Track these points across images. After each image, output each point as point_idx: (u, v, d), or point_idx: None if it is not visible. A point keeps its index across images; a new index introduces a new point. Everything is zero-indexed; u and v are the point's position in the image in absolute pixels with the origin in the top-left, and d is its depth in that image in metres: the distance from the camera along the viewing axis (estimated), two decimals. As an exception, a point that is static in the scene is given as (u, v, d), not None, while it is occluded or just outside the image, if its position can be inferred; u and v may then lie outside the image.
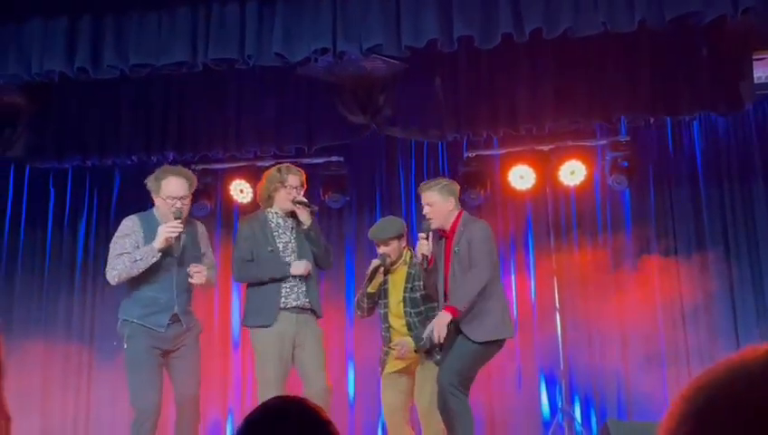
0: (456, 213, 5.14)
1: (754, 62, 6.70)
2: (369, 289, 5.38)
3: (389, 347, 5.40)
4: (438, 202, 5.08)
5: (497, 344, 5.03)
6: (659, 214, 7.76)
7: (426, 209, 5.11)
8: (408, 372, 5.36)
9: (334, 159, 7.88)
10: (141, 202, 8.20)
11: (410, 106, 7.15)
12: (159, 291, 4.91)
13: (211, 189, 8.03)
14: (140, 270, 4.84)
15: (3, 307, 7.91)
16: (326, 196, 7.87)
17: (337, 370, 7.52)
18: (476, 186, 7.66)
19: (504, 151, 7.84)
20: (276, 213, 5.27)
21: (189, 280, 4.94)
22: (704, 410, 0.92)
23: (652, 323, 7.48)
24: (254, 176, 7.85)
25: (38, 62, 5.88)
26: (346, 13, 5.64)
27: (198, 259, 5.06)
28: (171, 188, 4.92)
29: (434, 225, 5.09)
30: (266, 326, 5.08)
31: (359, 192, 8.23)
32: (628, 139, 7.53)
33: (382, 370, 5.44)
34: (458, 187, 5.34)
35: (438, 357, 5.24)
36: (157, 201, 5.02)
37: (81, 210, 8.44)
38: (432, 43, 5.58)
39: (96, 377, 7.97)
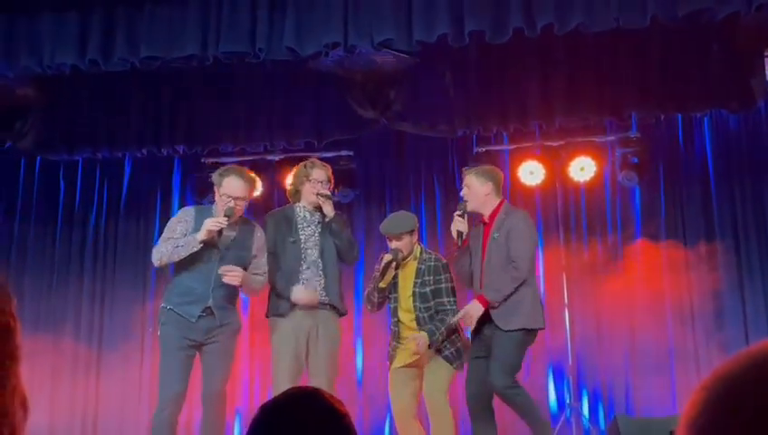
0: (497, 201, 5.22)
1: (766, 60, 6.67)
2: (381, 284, 5.37)
3: (399, 342, 5.39)
4: (475, 185, 5.19)
5: (532, 334, 5.08)
6: (669, 211, 7.74)
7: (463, 191, 5.25)
8: (416, 366, 5.35)
9: (344, 153, 7.88)
10: (151, 195, 8.31)
11: (420, 101, 7.15)
12: (196, 281, 4.99)
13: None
14: (180, 257, 4.94)
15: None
16: (335, 190, 7.85)
17: (346, 364, 7.51)
18: (486, 181, 7.66)
19: (513, 147, 7.84)
20: (304, 207, 5.39)
21: (222, 278, 4.98)
22: (724, 400, 0.92)
23: (661, 319, 7.46)
24: (263, 169, 7.87)
25: (50, 54, 5.90)
26: (357, 7, 5.65)
27: (243, 260, 5.10)
28: (230, 187, 5.04)
29: (469, 206, 5.20)
30: (281, 316, 5.16)
31: (368, 187, 8.23)
32: (638, 135, 7.51)
33: (390, 363, 5.44)
34: (500, 174, 5.37)
35: (447, 353, 5.25)
36: (216, 196, 5.14)
37: (90, 202, 8.45)
38: (443, 38, 5.58)
39: (104, 369, 7.99)
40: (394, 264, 5.33)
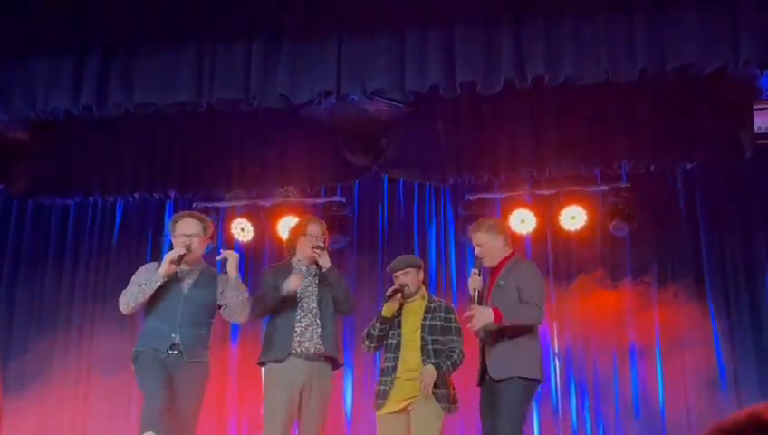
0: (509, 252, 5.21)
1: (755, 112, 6.75)
2: (384, 313, 5.38)
3: (393, 377, 5.32)
4: (487, 241, 5.17)
5: (531, 385, 4.96)
6: (660, 260, 7.75)
7: (477, 251, 5.22)
8: (404, 411, 5.31)
9: (336, 199, 7.90)
10: (142, 238, 8.28)
11: (412, 148, 7.20)
12: (163, 322, 5.15)
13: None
14: (145, 295, 5.13)
15: (1, 339, 7.89)
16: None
17: (335, 418, 7.44)
18: (477, 229, 7.68)
19: (505, 195, 7.86)
20: (300, 260, 5.53)
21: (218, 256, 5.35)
22: None
23: (652, 369, 7.45)
24: (255, 215, 7.88)
25: (43, 99, 5.94)
26: (350, 56, 5.71)
27: (208, 299, 5.26)
28: (183, 227, 5.29)
29: (486, 262, 5.19)
30: (278, 362, 5.27)
31: (360, 233, 8.23)
32: (628, 185, 7.54)
33: (376, 398, 5.39)
34: (507, 226, 5.46)
35: (438, 391, 5.21)
36: (173, 241, 5.37)
37: (81, 245, 8.41)
38: (435, 88, 5.64)
39: (93, 411, 7.92)
40: (399, 295, 5.37)
